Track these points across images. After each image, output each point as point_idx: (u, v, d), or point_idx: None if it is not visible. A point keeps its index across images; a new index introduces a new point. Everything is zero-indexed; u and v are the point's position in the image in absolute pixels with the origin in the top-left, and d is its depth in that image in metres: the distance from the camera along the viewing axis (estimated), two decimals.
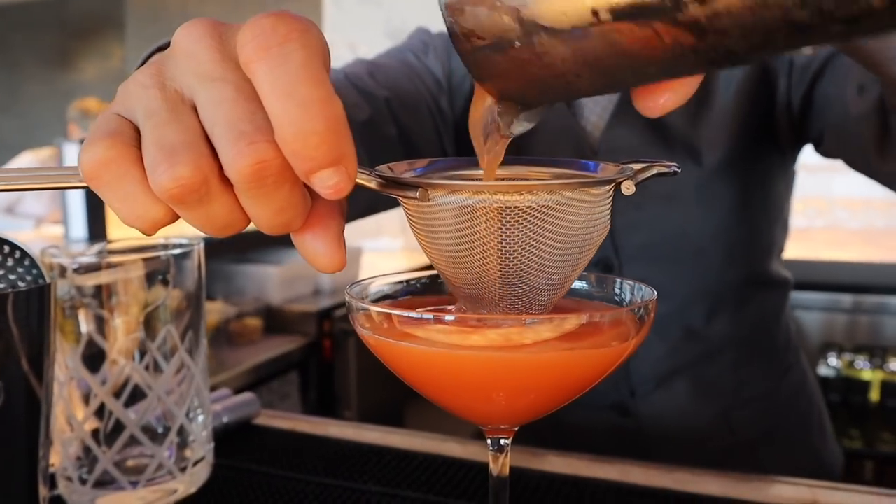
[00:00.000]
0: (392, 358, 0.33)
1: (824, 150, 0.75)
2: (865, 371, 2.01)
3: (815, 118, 0.74)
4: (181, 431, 0.55)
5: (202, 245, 0.57)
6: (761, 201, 0.81)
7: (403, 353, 0.32)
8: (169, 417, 0.56)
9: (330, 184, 0.29)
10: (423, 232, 0.35)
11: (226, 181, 0.30)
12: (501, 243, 0.32)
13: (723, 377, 0.81)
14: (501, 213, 0.32)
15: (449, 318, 0.32)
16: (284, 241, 2.48)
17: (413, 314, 0.32)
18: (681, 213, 0.78)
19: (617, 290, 0.37)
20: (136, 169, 0.30)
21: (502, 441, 0.36)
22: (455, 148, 0.87)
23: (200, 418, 0.57)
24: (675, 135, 0.77)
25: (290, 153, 0.28)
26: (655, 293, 0.34)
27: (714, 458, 0.79)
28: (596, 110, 0.80)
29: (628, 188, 0.33)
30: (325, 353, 2.23)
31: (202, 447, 0.58)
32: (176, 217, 0.31)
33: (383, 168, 0.35)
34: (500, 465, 0.36)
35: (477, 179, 0.35)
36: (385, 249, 3.56)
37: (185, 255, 0.55)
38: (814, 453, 0.85)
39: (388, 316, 0.33)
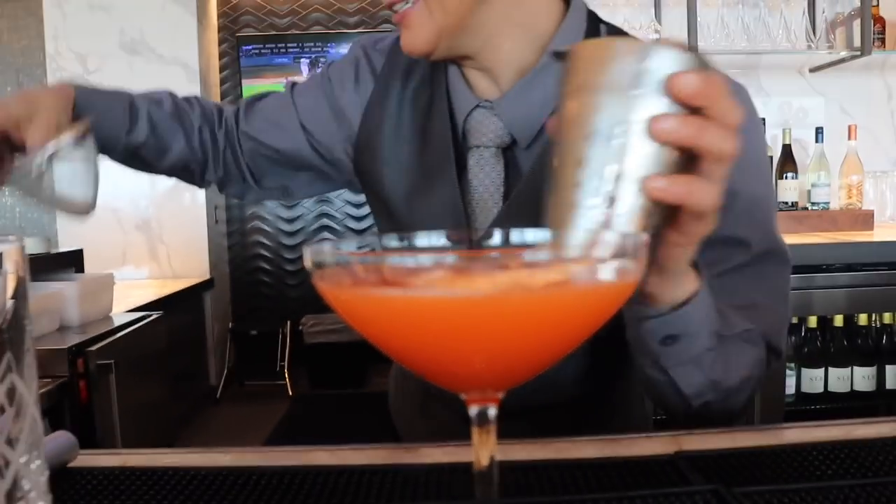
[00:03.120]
0: (381, 313, 0.29)
1: None
2: None
3: None
4: (14, 481, 0.43)
5: (23, 241, 0.45)
6: None
7: (400, 305, 0.28)
8: None
9: None
10: None
11: None
12: None
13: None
14: None
15: (451, 259, 0.28)
16: None
17: (410, 260, 0.28)
18: None
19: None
20: None
21: (490, 411, 0.33)
22: None
23: (37, 462, 0.45)
24: None
25: None
26: (646, 235, 0.32)
27: None
28: (478, 217, 0.83)
29: None
30: (80, 395, 1.96)
31: (42, 498, 0.46)
32: None
33: None
34: (489, 444, 0.32)
35: None
36: (131, 279, 3.25)
37: None
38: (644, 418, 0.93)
39: (377, 268, 0.28)
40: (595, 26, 0.83)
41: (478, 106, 0.83)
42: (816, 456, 0.59)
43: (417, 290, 0.26)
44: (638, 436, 0.66)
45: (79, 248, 2.36)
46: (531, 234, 0.33)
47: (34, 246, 2.28)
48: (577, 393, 0.87)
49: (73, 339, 1.98)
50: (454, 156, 0.83)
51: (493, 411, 0.33)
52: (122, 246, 3.22)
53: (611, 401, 0.91)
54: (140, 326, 2.26)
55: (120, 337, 2.12)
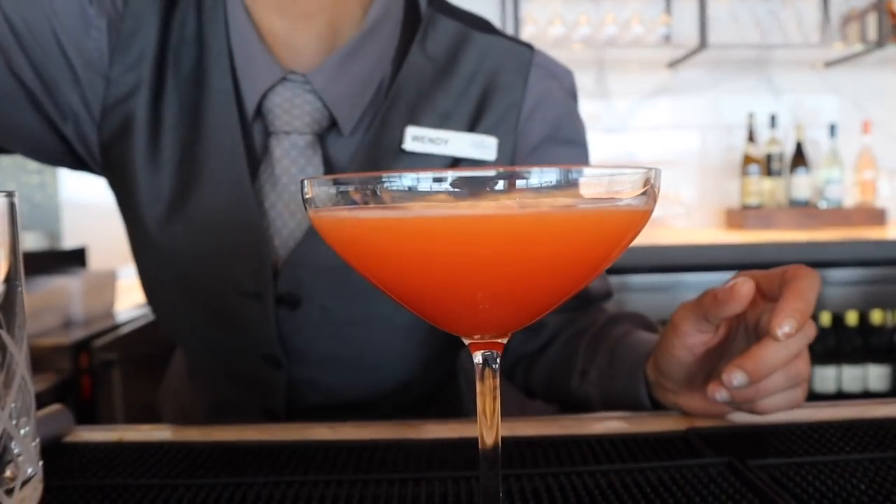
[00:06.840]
0: (380, 240, 0.27)
1: None
2: None
3: None
4: (4, 446, 0.42)
5: (15, 196, 0.44)
6: None
7: (400, 228, 0.26)
8: None
9: None
10: None
11: None
12: None
13: None
14: None
15: (455, 177, 0.26)
16: (26, 268, 2.16)
17: (410, 178, 0.26)
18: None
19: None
20: None
21: (495, 357, 0.31)
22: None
23: (27, 428, 0.44)
24: None
25: None
26: (660, 169, 0.31)
27: None
28: (289, 225, 0.67)
29: None
30: (83, 391, 1.95)
31: (31, 463, 0.44)
32: None
33: None
34: (494, 394, 0.31)
35: None
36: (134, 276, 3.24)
37: None
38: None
39: (376, 194, 0.26)
40: None
41: (285, 79, 0.65)
42: (833, 433, 0.57)
43: (418, 211, 0.25)
44: (648, 414, 0.64)
45: (83, 244, 2.35)
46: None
47: (38, 242, 2.28)
48: (401, 387, 0.77)
49: (77, 335, 1.97)
50: (246, 145, 0.66)
51: (497, 357, 0.31)
52: (125, 243, 3.22)
53: (443, 396, 0.84)
54: (145, 323, 2.25)
55: (124, 333, 2.12)
